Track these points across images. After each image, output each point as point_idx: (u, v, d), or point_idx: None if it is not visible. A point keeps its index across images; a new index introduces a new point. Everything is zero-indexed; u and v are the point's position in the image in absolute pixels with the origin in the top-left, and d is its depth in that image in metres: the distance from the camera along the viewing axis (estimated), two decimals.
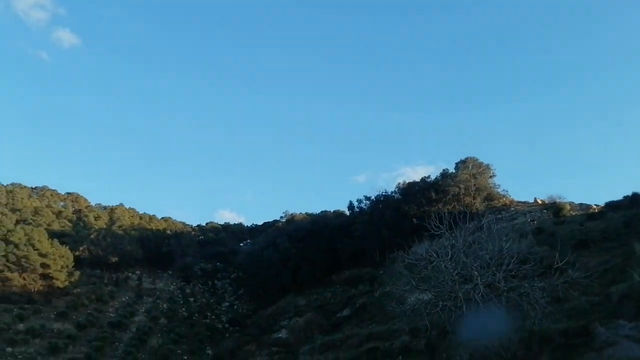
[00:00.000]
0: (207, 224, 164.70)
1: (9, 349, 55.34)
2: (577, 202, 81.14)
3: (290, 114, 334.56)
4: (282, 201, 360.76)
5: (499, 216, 74.54)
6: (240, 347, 63.27)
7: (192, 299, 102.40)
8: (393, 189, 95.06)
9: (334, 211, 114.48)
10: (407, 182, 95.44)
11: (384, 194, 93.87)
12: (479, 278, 13.15)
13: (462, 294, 13.00)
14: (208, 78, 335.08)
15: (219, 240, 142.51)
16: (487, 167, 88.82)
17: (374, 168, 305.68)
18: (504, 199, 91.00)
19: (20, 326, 64.62)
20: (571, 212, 70.78)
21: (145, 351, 64.20)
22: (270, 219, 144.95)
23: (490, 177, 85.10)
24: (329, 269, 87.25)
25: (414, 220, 68.73)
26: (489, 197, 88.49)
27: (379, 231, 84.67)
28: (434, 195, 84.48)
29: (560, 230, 57.11)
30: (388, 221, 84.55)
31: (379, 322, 47.58)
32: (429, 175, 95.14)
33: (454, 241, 16.85)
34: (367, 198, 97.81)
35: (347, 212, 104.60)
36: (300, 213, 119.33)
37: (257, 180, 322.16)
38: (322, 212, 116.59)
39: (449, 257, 16.10)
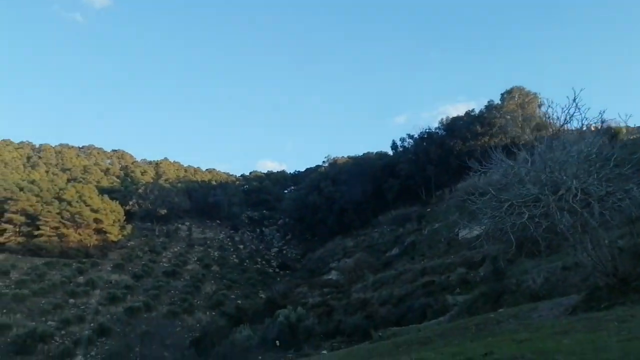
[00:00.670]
0: (250, 173, 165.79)
1: (72, 301, 57.41)
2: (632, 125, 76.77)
3: (328, 56, 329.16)
4: (323, 147, 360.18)
5: (551, 145, 71.26)
6: (292, 290, 63.94)
7: (241, 246, 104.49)
8: (436, 126, 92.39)
9: (376, 153, 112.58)
10: (451, 117, 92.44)
11: (427, 131, 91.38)
12: (573, 181, 11.78)
13: (553, 201, 11.70)
14: (244, 36, 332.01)
15: (263, 189, 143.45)
16: (535, 95, 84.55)
17: (414, 108, 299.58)
18: (554, 127, 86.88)
19: (80, 279, 66.95)
20: (627, 135, 66.98)
21: (200, 297, 65.82)
22: (313, 164, 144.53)
23: (539, 105, 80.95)
24: (375, 210, 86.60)
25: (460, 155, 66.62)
26: (538, 127, 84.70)
27: (424, 169, 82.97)
28: (479, 128, 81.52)
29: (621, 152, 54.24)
30: (433, 158, 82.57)
31: (430, 259, 46.87)
32: (473, 109, 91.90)
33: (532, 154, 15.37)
34: (410, 137, 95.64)
35: (391, 152, 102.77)
36: (343, 156, 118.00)
37: (297, 128, 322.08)
38: (364, 154, 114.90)
39: (529, 163, 14.68)
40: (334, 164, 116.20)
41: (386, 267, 56.17)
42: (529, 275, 21.04)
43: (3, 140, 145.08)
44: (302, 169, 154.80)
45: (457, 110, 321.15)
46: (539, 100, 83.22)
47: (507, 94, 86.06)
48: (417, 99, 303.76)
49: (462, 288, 27.34)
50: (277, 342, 25.40)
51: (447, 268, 33.52)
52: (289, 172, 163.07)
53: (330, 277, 67.37)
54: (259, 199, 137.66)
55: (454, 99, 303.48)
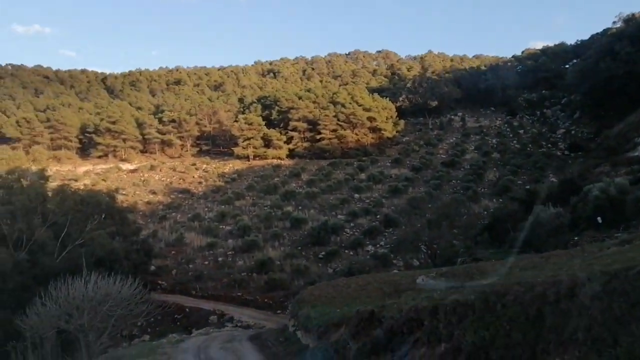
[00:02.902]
0: (522, 52, 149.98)
1: (357, 195, 58.99)
2: None
3: None
4: (608, 7, 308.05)
5: None
6: (589, 170, 54.87)
7: (521, 131, 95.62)
8: None
9: None
10: None
11: None
12: None
13: None
14: None
15: (540, 67, 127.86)
16: None
17: None
18: None
19: (362, 175, 68.90)
20: None
21: (483, 185, 61.72)
22: (599, 29, 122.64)
23: None
24: None
25: None
26: None
27: None
28: None
29: None
30: None
31: None
32: None
33: None
34: None
35: None
36: None
37: None
38: None
39: None
40: (631, 20, 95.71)
41: None
42: None
43: (281, 58, 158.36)
44: (586, 37, 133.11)
45: None
46: None
47: None
48: None
49: None
50: (599, 218, 19.79)
51: None
52: (569, 44, 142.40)
53: (636, 153, 55.95)
54: (535, 78, 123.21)
55: None
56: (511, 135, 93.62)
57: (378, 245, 41.63)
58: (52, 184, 39.26)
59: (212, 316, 30.29)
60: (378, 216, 49.72)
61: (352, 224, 47.83)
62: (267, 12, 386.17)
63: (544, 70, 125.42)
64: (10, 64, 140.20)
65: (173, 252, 45.22)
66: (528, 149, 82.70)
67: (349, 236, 44.79)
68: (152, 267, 40.71)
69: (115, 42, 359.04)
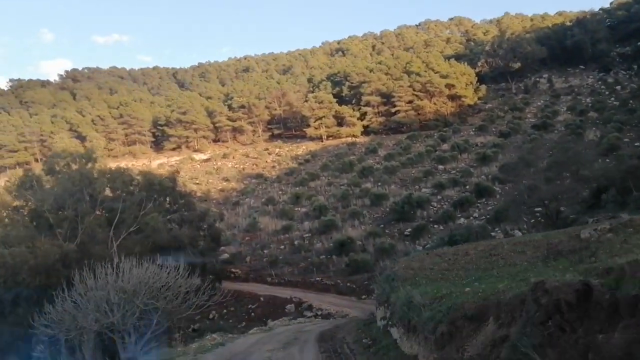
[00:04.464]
0: (611, 3, 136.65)
1: (440, 166, 53.91)
2: None
3: None
4: None
5: None
6: None
7: (618, 87, 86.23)
8: None
9: None
10: None
11: None
12: None
13: None
14: None
15: (634, 17, 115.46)
16: None
17: None
18: None
19: (444, 146, 63.49)
20: None
21: (582, 145, 54.61)
22: None
23: None
24: None
25: None
26: None
27: None
28: None
29: None
30: None
31: None
32: None
33: None
34: None
35: None
36: None
37: None
38: None
39: None
40: None
41: None
42: None
43: (349, 37, 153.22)
44: None
45: None
46: None
47: None
48: None
49: None
50: None
51: None
52: None
53: None
54: (628, 30, 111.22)
55: None
56: (607, 93, 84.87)
57: (471, 217, 36.67)
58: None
59: (289, 305, 26.84)
60: (467, 186, 44.57)
61: (439, 197, 42.98)
62: None
63: (637, 21, 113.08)
64: (86, 68, 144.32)
65: (247, 238, 42.41)
66: (630, 104, 73.96)
67: (437, 210, 40.06)
68: (226, 255, 37.99)
69: (188, 43, 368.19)
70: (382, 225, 38.50)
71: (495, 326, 5.97)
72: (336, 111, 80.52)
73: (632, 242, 9.06)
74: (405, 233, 35.64)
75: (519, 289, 6.30)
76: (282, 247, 38.45)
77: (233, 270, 35.48)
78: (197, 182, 64.77)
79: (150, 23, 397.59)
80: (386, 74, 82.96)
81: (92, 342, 14.20)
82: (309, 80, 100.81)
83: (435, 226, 36.01)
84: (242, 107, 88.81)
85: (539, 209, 32.21)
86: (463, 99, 79.33)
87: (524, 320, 5.11)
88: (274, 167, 71.44)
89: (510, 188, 38.50)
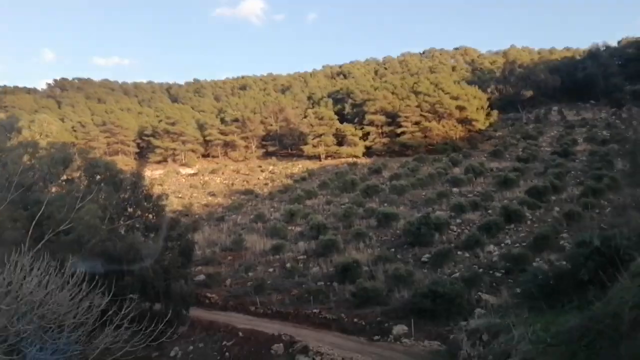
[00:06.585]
0: (619, 42, 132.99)
1: (455, 189, 47.64)
2: None
3: None
4: None
5: None
6: None
7: (634, 122, 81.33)
8: None
9: None
10: None
11: None
12: None
13: None
14: None
15: None
16: None
17: None
18: None
19: (456, 170, 57.53)
20: None
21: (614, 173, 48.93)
22: None
23: None
24: None
25: None
26: None
27: None
28: None
29: None
30: None
31: None
32: None
33: None
34: None
35: None
36: None
37: None
38: None
39: None
40: None
41: None
42: None
43: (351, 62, 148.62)
44: None
45: None
46: None
47: None
48: None
49: None
50: None
51: None
52: None
53: None
54: (638, 68, 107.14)
55: None
56: (623, 127, 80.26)
57: (502, 245, 30.12)
58: None
59: (276, 344, 19.92)
60: (490, 210, 38.24)
61: (458, 220, 36.51)
62: (336, 17, 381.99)
63: None
64: (77, 78, 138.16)
65: (229, 257, 35.63)
66: None
67: (457, 234, 33.57)
68: (201, 276, 31.16)
69: (188, 69, 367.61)
70: (392, 249, 31.93)
71: None
72: (337, 129, 74.48)
73: None
74: (423, 259, 29.05)
75: None
76: (271, 269, 31.64)
77: (209, 294, 28.62)
78: (180, 195, 58.14)
79: (151, 47, 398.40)
80: (392, 92, 77.28)
81: None
82: (309, 98, 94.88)
83: (459, 252, 29.43)
84: (236, 120, 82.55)
85: None
86: (474, 122, 73.56)
87: None
88: (266, 184, 64.87)
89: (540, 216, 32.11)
